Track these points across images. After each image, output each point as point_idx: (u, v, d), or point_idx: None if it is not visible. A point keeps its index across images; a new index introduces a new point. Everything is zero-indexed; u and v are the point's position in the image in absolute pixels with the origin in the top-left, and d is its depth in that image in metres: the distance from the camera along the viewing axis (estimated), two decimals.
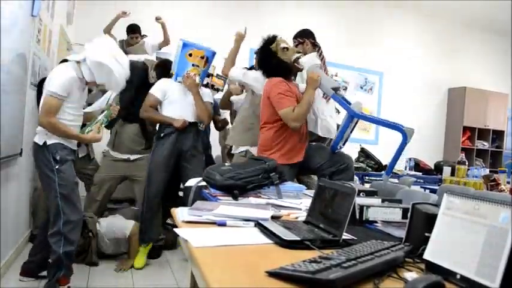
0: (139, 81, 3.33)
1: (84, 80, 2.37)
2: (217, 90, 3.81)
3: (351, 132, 2.67)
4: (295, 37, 3.10)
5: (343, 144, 2.64)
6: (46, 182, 2.32)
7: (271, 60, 2.53)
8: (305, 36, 3.05)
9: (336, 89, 2.54)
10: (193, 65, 3.05)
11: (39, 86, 3.23)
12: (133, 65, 3.25)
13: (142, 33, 4.30)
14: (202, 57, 3.06)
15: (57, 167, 2.27)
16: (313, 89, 2.48)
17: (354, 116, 2.51)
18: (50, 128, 2.25)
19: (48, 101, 2.22)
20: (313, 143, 2.68)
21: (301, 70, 2.61)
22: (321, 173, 2.48)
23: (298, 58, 2.53)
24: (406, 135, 2.33)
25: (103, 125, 2.50)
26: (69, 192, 2.30)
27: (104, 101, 2.73)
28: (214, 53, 3.14)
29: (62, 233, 2.27)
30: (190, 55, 3.04)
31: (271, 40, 2.56)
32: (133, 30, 4.19)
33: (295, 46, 2.97)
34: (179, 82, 3.06)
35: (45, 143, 2.27)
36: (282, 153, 2.44)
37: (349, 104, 2.56)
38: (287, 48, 2.53)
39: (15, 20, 2.40)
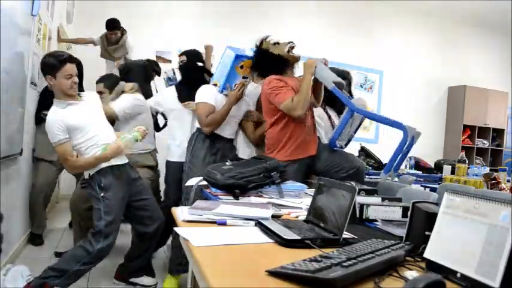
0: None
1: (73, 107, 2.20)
2: None
3: (355, 132, 2.60)
4: None
5: (346, 144, 2.57)
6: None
7: (264, 57, 2.48)
8: None
9: (337, 84, 2.45)
10: (243, 77, 2.63)
11: (42, 93, 3.32)
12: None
13: (121, 28, 4.03)
14: (251, 68, 2.66)
15: (102, 194, 2.21)
16: (309, 74, 2.38)
17: (353, 111, 2.42)
18: (77, 170, 2.38)
19: (57, 151, 2.19)
20: (322, 143, 2.63)
21: (297, 60, 2.53)
22: (328, 176, 2.30)
23: (292, 48, 2.47)
24: (407, 133, 2.24)
25: (127, 142, 2.24)
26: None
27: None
28: None
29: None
30: (241, 67, 2.61)
31: (262, 40, 2.52)
32: (112, 27, 3.92)
33: None
34: (225, 95, 2.62)
35: (88, 174, 2.25)
36: (291, 148, 2.39)
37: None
38: (278, 43, 2.48)
39: (15, 19, 2.39)
